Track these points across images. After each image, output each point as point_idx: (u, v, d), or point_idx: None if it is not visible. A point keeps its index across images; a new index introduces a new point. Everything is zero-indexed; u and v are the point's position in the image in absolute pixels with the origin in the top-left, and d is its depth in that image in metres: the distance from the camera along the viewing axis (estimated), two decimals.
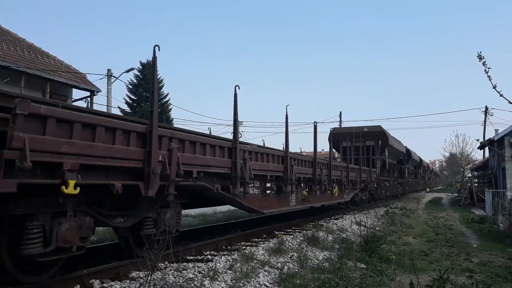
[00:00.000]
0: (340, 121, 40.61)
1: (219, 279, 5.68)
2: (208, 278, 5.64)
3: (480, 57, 4.02)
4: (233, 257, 7.07)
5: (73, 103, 22.59)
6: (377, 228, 12.63)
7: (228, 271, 6.17)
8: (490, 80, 4.04)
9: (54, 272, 5.09)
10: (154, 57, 5.89)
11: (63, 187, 4.33)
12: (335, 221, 13.94)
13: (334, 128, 23.88)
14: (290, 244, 8.76)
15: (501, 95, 4.09)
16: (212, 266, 6.27)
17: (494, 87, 4.08)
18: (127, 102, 36.56)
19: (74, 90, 22.49)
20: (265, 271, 6.38)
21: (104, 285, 5.29)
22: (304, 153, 21.16)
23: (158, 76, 36.08)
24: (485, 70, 4.00)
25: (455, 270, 7.28)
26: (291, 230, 11.25)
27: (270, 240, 9.20)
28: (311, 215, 14.70)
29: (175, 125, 35.52)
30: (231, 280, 5.71)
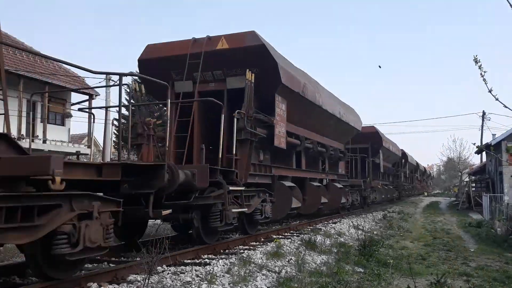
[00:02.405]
0: None
1: (216, 283, 5.68)
2: (205, 282, 5.64)
3: (476, 61, 4.06)
4: (231, 260, 7.06)
5: (72, 107, 22.62)
6: (374, 232, 12.65)
7: (226, 274, 6.17)
8: (486, 84, 4.07)
9: None
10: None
11: None
12: (333, 224, 13.94)
13: (149, 46, 10.73)
14: (288, 247, 8.75)
15: (497, 99, 4.13)
16: (210, 270, 6.26)
17: (490, 91, 4.11)
18: (125, 106, 36.55)
19: (72, 93, 22.53)
20: (263, 274, 6.38)
21: None
22: None
23: None
24: (481, 73, 4.04)
25: (452, 274, 7.29)
26: (289, 234, 11.25)
27: (268, 244, 9.19)
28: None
29: None
30: (229, 284, 5.71)
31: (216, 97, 8.54)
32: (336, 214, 17.41)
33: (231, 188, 8.04)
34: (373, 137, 23.53)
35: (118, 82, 6.39)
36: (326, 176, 15.67)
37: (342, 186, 16.66)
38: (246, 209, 8.63)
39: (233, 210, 8.09)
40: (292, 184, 11.93)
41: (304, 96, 12.08)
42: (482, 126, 40.51)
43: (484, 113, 40.62)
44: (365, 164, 22.31)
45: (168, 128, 7.42)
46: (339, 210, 17.74)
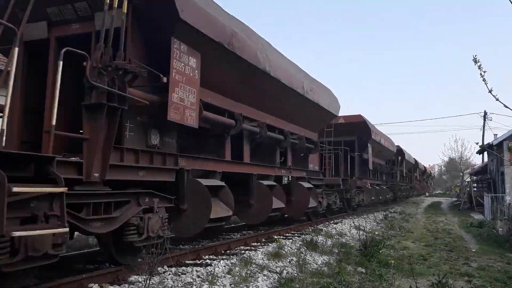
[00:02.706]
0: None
1: (218, 283, 5.68)
2: (207, 283, 5.65)
3: (475, 61, 4.04)
4: (232, 261, 7.07)
5: None
6: (376, 233, 12.63)
7: (227, 275, 6.17)
8: (486, 84, 4.06)
9: None
10: None
11: None
12: (334, 225, 13.95)
13: None
14: (289, 248, 8.76)
15: (497, 99, 4.11)
16: (211, 271, 6.27)
17: (490, 91, 4.10)
18: None
19: None
20: (264, 275, 6.38)
21: None
22: None
23: None
24: (480, 74, 4.03)
25: (454, 274, 7.29)
26: (290, 235, 11.25)
27: (269, 244, 9.20)
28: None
29: None
30: (230, 285, 5.72)
31: (83, 45, 5.45)
32: (307, 222, 13.98)
33: (17, 189, 3.78)
34: (360, 128, 19.76)
35: None
36: (287, 173, 11.94)
37: (312, 186, 12.80)
38: (50, 230, 4.14)
39: (16, 234, 3.78)
40: (219, 183, 8.03)
41: (233, 51, 7.87)
42: (484, 126, 40.45)
43: (485, 113, 40.55)
44: (352, 160, 18.99)
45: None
46: (309, 216, 14.20)
